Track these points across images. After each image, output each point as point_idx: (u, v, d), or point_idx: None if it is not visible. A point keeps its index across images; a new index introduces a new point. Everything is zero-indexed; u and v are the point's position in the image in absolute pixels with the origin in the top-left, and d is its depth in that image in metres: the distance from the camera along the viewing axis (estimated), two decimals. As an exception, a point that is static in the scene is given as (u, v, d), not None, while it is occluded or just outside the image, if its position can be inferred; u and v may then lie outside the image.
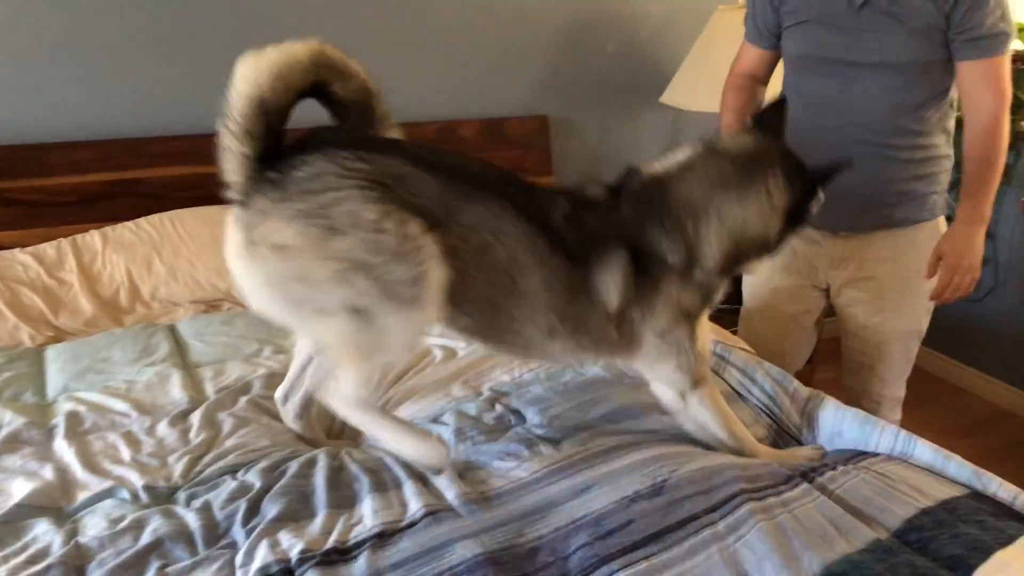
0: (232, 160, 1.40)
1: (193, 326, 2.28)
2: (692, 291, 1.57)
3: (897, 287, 2.17)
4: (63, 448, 1.70)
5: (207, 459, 1.68)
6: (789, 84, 2.14)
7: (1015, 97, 3.15)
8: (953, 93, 2.07)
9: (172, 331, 2.27)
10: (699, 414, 1.67)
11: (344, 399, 1.53)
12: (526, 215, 1.49)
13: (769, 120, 1.64)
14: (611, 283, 1.52)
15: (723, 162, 1.57)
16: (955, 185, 2.09)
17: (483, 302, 1.51)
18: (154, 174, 2.74)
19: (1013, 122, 3.16)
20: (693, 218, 1.54)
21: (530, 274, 1.49)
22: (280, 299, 1.45)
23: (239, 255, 1.45)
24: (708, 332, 1.70)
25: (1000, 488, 1.52)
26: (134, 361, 2.07)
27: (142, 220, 2.61)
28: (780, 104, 1.66)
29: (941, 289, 2.04)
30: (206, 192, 2.74)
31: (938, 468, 1.61)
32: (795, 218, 1.59)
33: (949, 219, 2.12)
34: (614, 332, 1.57)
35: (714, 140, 1.63)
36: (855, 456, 1.67)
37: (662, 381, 1.66)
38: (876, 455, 1.68)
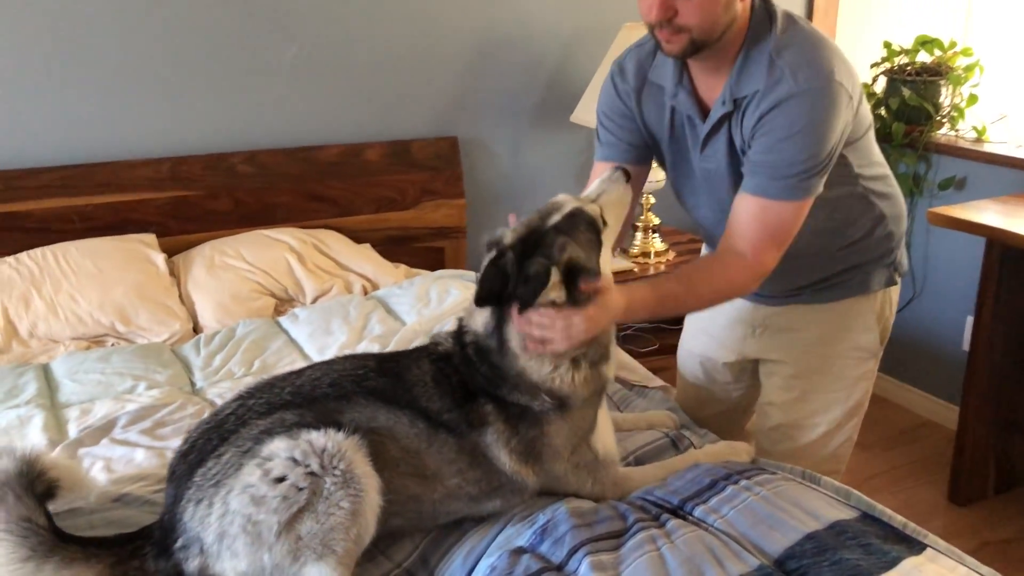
0: None
1: (67, 364, 2.15)
2: (576, 415, 1.53)
3: (812, 365, 1.90)
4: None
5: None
6: None
7: (923, 109, 3.19)
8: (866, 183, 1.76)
9: (45, 370, 2.14)
10: (624, 494, 1.61)
11: None
12: (398, 404, 1.48)
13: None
14: (496, 447, 1.49)
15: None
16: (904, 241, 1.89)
17: (403, 497, 1.46)
18: (39, 206, 2.61)
19: (922, 132, 3.21)
20: (536, 376, 1.50)
21: (428, 457, 1.47)
22: None
23: None
24: (609, 425, 1.63)
25: (892, 519, 1.49)
26: (-2, 404, 1.94)
27: (23, 254, 2.48)
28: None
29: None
30: (95, 223, 2.66)
31: (839, 498, 1.57)
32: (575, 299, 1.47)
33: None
34: (531, 476, 1.53)
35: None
36: (755, 470, 1.61)
37: (584, 496, 1.60)
38: (775, 472, 1.63)
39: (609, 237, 1.57)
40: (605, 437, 1.60)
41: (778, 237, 1.62)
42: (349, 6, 2.90)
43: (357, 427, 1.41)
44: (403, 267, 2.87)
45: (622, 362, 2.19)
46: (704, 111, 1.70)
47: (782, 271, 1.78)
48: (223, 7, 2.74)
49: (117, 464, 1.73)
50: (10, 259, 2.46)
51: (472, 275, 2.76)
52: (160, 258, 2.58)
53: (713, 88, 1.66)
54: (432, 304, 2.49)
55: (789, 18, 1.63)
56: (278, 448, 1.36)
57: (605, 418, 1.61)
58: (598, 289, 1.48)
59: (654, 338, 3.32)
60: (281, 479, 1.33)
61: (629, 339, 3.36)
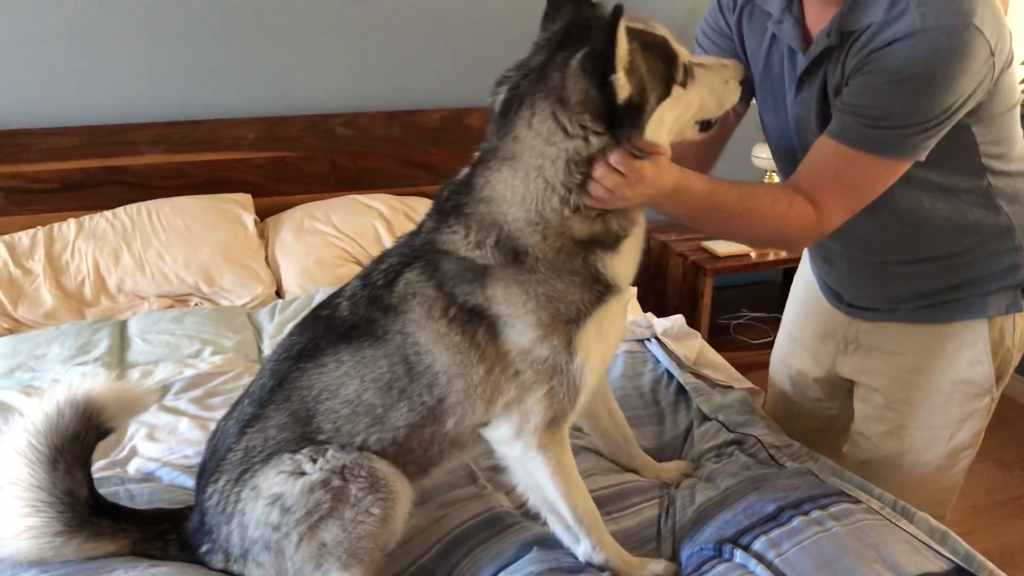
0: None
1: (142, 323, 2.15)
2: (533, 280, 1.24)
3: (907, 396, 1.59)
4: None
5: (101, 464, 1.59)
6: None
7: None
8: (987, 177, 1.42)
9: (121, 328, 2.15)
10: (537, 468, 1.32)
11: None
12: (321, 351, 1.31)
13: None
14: (427, 321, 1.26)
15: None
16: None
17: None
18: (139, 162, 2.63)
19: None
20: (487, 204, 1.25)
21: (367, 391, 1.28)
22: None
23: None
24: (607, 341, 1.33)
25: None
26: (68, 359, 1.96)
27: (120, 209, 2.51)
28: None
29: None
30: (193, 181, 2.66)
31: (932, 543, 1.34)
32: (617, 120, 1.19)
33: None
34: (474, 355, 1.26)
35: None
36: (832, 497, 1.41)
37: (510, 414, 1.29)
38: (858, 502, 1.41)
39: (679, 107, 1.26)
40: (592, 345, 1.27)
41: (854, 197, 1.33)
42: (456, -36, 2.78)
43: (308, 407, 1.28)
44: (496, 239, 2.75)
45: (708, 360, 1.99)
46: (809, 44, 1.41)
47: (876, 276, 1.52)
48: (329, -35, 2.67)
49: (160, 432, 1.70)
50: (108, 213, 2.50)
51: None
52: (250, 219, 2.56)
53: (823, 18, 1.37)
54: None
55: None
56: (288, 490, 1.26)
57: (605, 328, 1.29)
58: (657, 148, 1.21)
59: (769, 329, 3.07)
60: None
61: (740, 329, 3.13)
